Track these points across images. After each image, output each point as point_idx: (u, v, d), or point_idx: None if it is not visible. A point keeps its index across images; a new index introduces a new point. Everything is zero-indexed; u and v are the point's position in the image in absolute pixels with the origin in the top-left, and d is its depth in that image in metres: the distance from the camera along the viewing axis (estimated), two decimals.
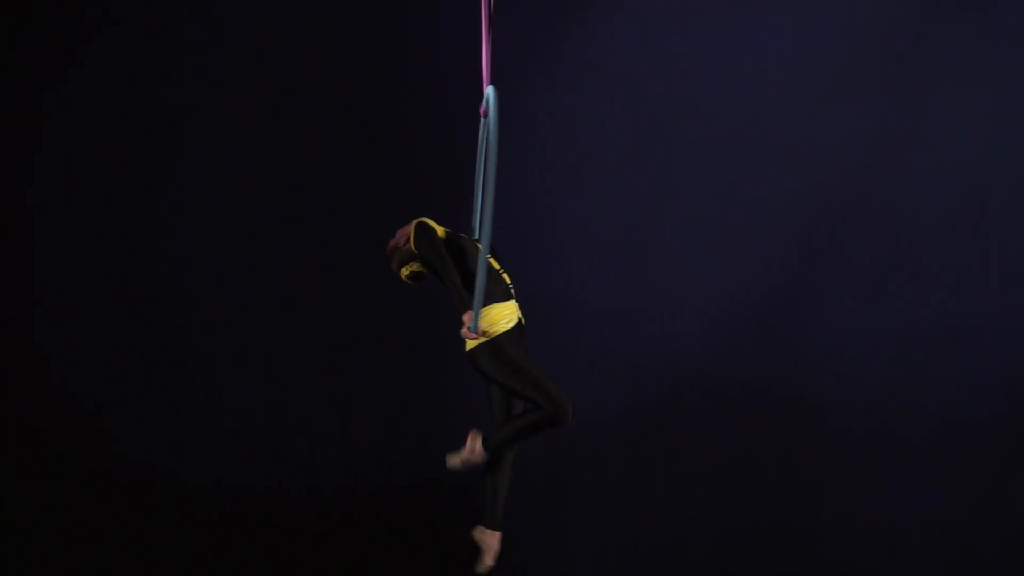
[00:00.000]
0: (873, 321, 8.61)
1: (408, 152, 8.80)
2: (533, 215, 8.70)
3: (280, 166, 8.78)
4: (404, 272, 5.98)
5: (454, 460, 5.77)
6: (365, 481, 8.68)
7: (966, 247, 8.60)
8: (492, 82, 5.65)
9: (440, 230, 5.83)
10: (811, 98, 8.65)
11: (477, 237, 6.05)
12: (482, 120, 5.79)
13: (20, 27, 8.65)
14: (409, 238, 5.87)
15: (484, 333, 5.59)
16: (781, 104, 8.65)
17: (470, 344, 5.68)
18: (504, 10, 8.31)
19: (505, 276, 5.83)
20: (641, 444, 8.69)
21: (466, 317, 5.56)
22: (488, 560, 5.84)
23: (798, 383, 8.62)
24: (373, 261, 8.62)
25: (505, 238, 8.42)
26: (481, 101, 5.71)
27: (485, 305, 5.63)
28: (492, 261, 5.78)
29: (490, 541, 5.83)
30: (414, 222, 5.85)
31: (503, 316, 5.67)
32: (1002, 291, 8.57)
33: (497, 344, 5.63)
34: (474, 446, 5.70)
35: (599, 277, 8.70)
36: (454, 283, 5.65)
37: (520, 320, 5.79)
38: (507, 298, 5.74)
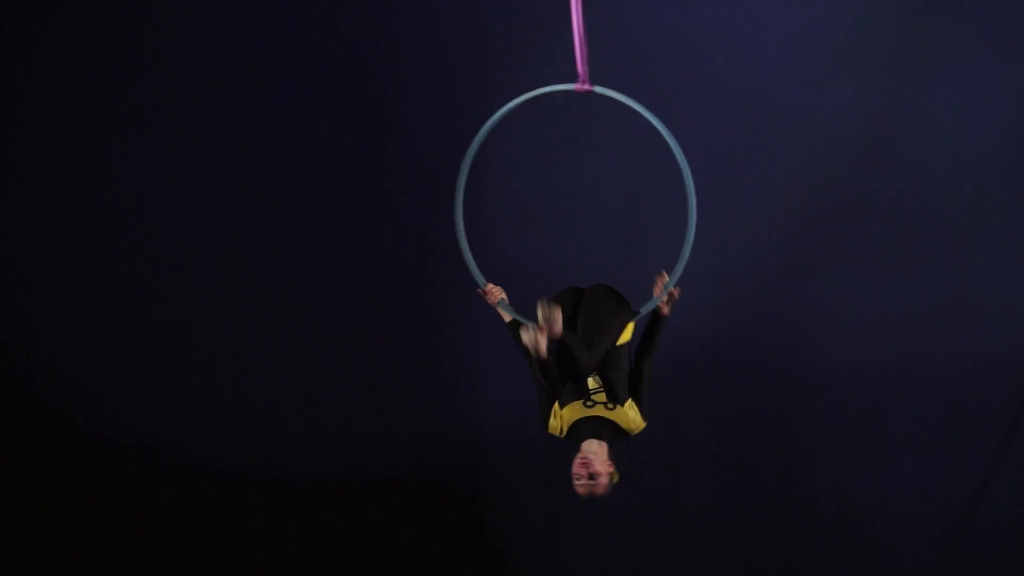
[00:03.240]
0: (872, 296, 8.64)
1: (402, 140, 8.87)
2: (528, 192, 8.72)
3: (280, 153, 8.86)
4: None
5: (537, 336, 5.26)
6: (362, 472, 8.74)
7: (965, 224, 8.62)
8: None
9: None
10: (812, 73, 8.66)
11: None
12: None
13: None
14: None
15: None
16: (781, 80, 8.66)
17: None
18: None
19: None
20: None
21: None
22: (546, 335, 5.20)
23: (797, 359, 8.65)
24: (374, 249, 8.76)
25: (501, 216, 8.63)
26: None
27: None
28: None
29: (557, 322, 5.21)
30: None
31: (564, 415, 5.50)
32: (1000, 267, 8.59)
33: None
34: (552, 318, 5.18)
35: (596, 253, 8.72)
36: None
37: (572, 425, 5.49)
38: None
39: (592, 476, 5.33)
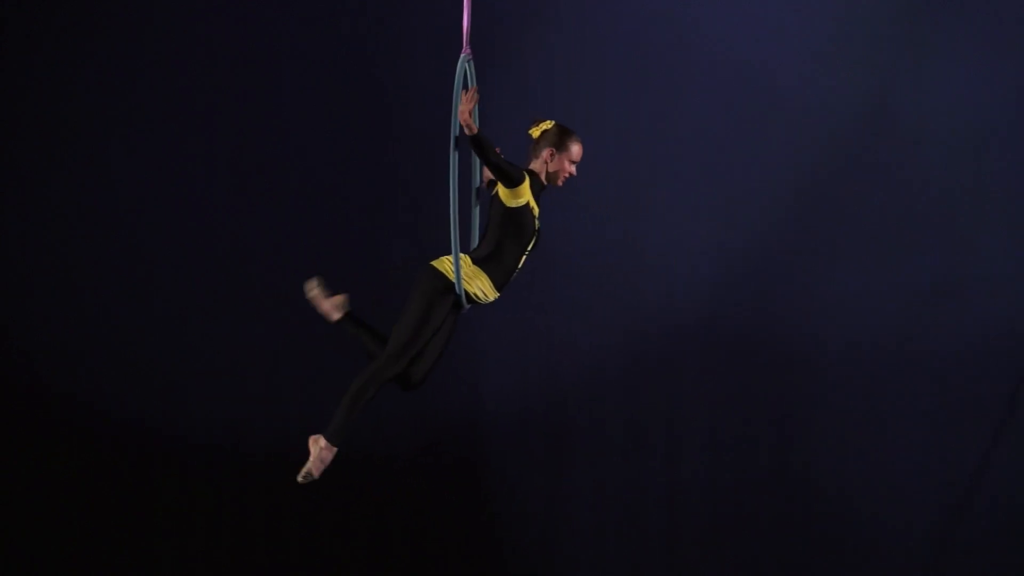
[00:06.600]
0: (870, 276, 8.68)
1: (402, 140, 8.92)
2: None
3: (280, 153, 8.91)
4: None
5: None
6: (361, 450, 8.57)
7: (962, 202, 8.66)
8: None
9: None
10: (812, 52, 8.72)
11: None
12: (463, 57, 5.52)
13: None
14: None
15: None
16: (782, 58, 8.71)
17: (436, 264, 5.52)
18: None
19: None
20: (639, 399, 8.77)
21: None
22: (315, 472, 5.41)
23: (795, 339, 8.70)
24: (372, 242, 8.79)
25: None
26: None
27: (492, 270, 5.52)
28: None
29: (325, 454, 5.42)
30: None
31: (483, 285, 5.54)
32: (998, 246, 8.64)
33: (438, 285, 5.47)
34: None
35: (595, 231, 8.76)
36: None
37: (475, 301, 5.55)
38: (499, 284, 5.57)
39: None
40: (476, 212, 5.75)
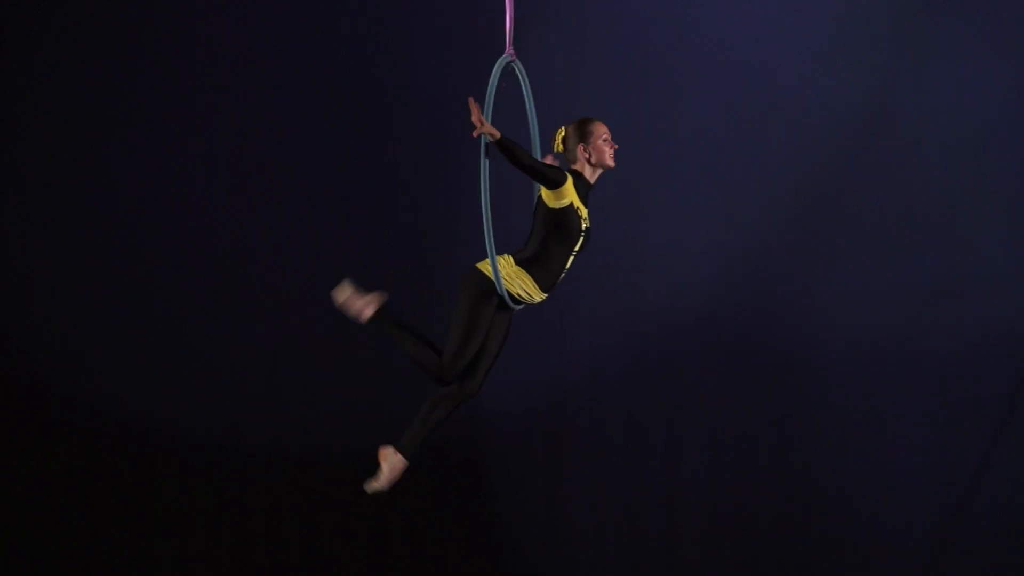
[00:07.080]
0: (870, 276, 8.70)
1: (402, 140, 8.94)
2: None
3: (280, 153, 8.94)
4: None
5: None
6: (361, 448, 8.73)
7: (962, 202, 8.68)
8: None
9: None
10: (812, 52, 8.74)
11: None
12: (504, 58, 5.57)
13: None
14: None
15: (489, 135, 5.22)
16: (782, 58, 8.74)
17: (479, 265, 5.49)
18: None
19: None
20: (639, 399, 8.79)
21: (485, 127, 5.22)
22: (383, 483, 5.54)
23: (795, 338, 8.73)
24: (372, 243, 8.82)
25: (500, 193, 8.67)
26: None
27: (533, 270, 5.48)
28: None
29: (396, 464, 5.52)
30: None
31: (526, 285, 5.49)
32: (998, 246, 8.65)
33: (480, 287, 5.46)
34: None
35: (595, 231, 8.64)
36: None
37: (522, 301, 5.51)
38: (545, 284, 5.52)
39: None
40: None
